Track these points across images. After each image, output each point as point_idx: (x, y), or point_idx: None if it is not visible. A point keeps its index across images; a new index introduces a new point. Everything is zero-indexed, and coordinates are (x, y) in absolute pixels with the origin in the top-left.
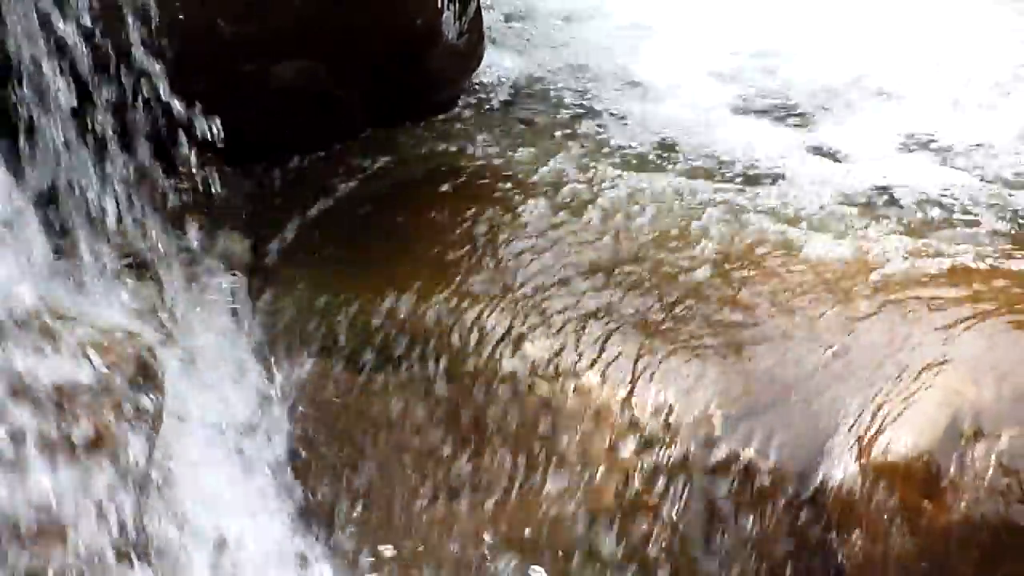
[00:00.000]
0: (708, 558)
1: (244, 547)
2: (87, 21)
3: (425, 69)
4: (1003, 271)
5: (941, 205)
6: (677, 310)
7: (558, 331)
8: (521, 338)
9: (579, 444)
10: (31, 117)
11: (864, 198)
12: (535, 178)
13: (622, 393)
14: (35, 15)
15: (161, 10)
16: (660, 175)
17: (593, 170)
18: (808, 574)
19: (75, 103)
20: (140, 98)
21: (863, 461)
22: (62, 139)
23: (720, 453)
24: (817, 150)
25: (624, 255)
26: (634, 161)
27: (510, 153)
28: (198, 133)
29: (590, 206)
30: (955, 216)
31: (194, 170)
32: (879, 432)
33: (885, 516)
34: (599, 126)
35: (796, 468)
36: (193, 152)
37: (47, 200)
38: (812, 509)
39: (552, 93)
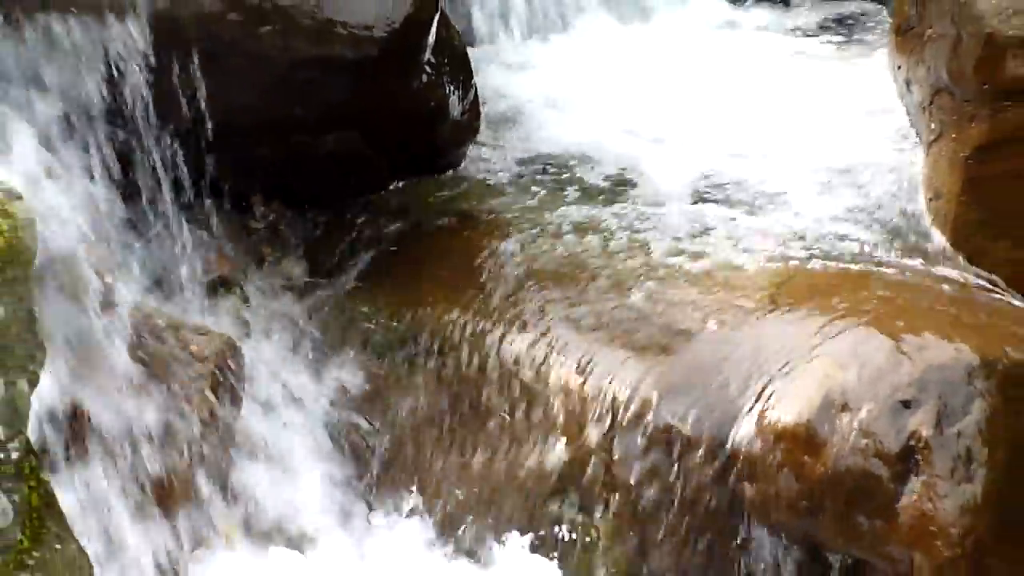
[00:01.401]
0: (647, 496)
1: (301, 475)
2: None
3: (436, 138)
4: (858, 288)
5: (806, 243)
6: (625, 320)
7: (533, 333)
8: (504, 338)
9: (549, 415)
10: (154, 184)
11: (750, 242)
12: (518, 217)
13: (581, 379)
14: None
15: (241, 100)
16: (606, 212)
17: (558, 210)
18: (720, 509)
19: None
20: (224, 163)
21: (761, 427)
22: (172, 197)
23: (654, 422)
24: (709, 196)
25: (580, 273)
26: (586, 205)
27: (501, 200)
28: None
29: (555, 238)
30: (814, 247)
31: (264, 214)
32: (772, 406)
33: (777, 467)
34: (561, 180)
35: (712, 433)
36: (259, 202)
37: (164, 239)
38: (724, 463)
39: (530, 157)
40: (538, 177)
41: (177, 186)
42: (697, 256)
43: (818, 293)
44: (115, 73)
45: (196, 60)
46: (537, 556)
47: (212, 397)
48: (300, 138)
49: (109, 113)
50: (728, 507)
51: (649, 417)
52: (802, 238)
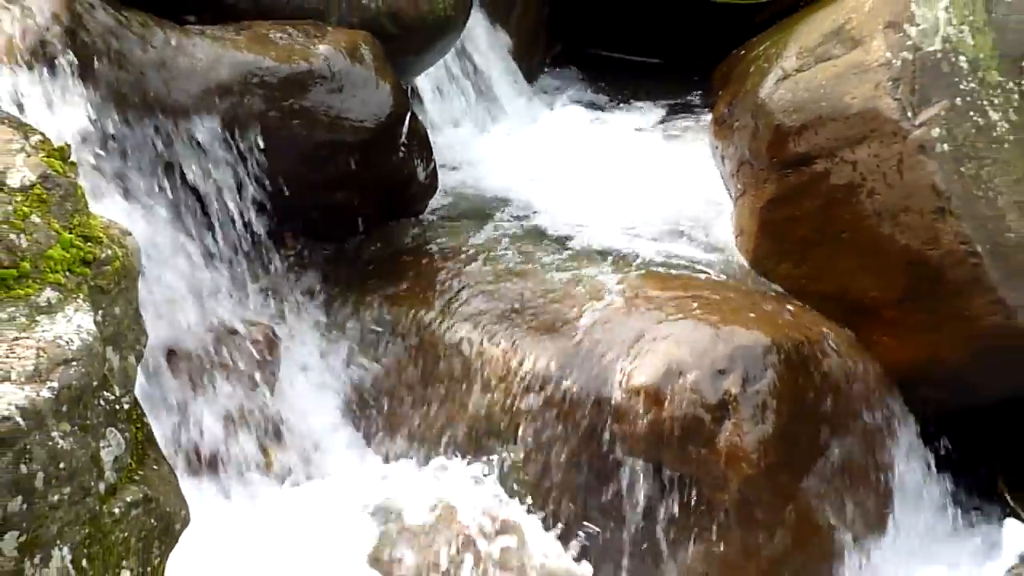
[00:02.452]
0: (547, 434)
1: (320, 412)
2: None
3: (408, 194)
4: (688, 294)
5: (654, 264)
6: (533, 314)
7: (476, 324)
8: (452, 327)
9: (483, 380)
10: (227, 226)
11: (617, 263)
12: (468, 248)
13: (502, 354)
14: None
15: (281, 169)
16: (519, 243)
17: (499, 244)
18: (597, 442)
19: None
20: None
21: (624, 387)
22: (237, 235)
23: (554, 385)
24: (588, 234)
25: (502, 284)
26: (506, 238)
27: (450, 235)
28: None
29: (487, 261)
30: (658, 267)
31: (293, 245)
32: (632, 372)
33: (635, 414)
34: (500, 224)
35: (591, 391)
36: (290, 237)
37: (230, 261)
38: (601, 414)
39: (476, 207)
40: (475, 220)
41: (241, 228)
42: (581, 271)
43: (661, 297)
44: (203, 153)
45: (253, 143)
46: (479, 473)
47: (259, 359)
48: (318, 194)
49: (198, 184)
50: (602, 441)
51: (549, 379)
52: (650, 261)
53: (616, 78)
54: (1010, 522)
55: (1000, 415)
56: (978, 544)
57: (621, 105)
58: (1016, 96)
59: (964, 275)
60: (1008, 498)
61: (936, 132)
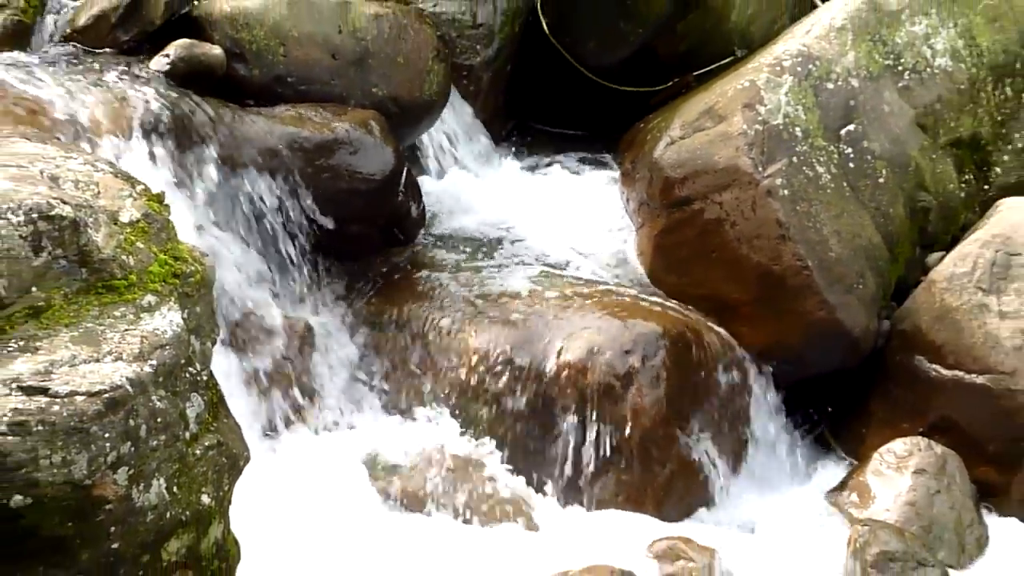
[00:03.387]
0: (505, 400)
1: (342, 380)
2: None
3: (405, 227)
4: (604, 299)
5: (581, 276)
6: (495, 310)
7: (453, 318)
8: (439, 320)
9: (459, 359)
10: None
11: (554, 275)
12: (447, 264)
13: (472, 339)
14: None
15: (317, 209)
16: (488, 262)
17: (470, 260)
18: (542, 405)
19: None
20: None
21: (559, 363)
22: (284, 253)
23: (510, 362)
24: (534, 258)
25: (481, 292)
26: (477, 258)
27: (436, 256)
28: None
29: (464, 272)
30: (582, 280)
31: (324, 264)
32: (564, 352)
33: (568, 383)
34: (471, 246)
35: (536, 366)
36: (321, 256)
37: (281, 273)
38: (543, 382)
39: (451, 236)
40: (454, 244)
41: (287, 250)
42: (529, 280)
43: (585, 300)
44: (265, 200)
45: (301, 192)
46: (456, 423)
47: (299, 345)
48: (341, 226)
49: (258, 219)
50: (545, 403)
51: (506, 358)
52: (578, 273)
53: (553, 144)
54: (831, 458)
55: (828, 382)
56: (809, 474)
57: (557, 162)
58: (835, 156)
59: (799, 283)
60: (831, 442)
61: (779, 181)
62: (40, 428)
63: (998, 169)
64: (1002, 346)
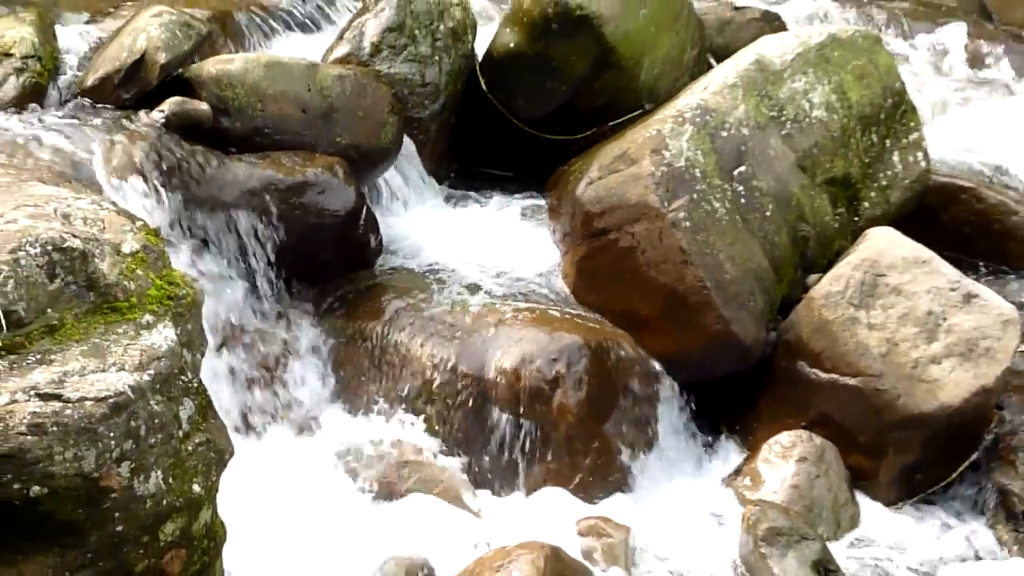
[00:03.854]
0: (453, 400)
1: (309, 388)
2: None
3: (365, 254)
4: (535, 315)
5: (515, 295)
6: (442, 326)
7: (407, 332)
8: (395, 333)
9: (414, 366)
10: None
11: (493, 295)
12: (401, 286)
13: (424, 351)
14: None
15: (291, 242)
16: (439, 285)
17: (419, 283)
18: (482, 405)
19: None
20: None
21: (498, 369)
22: (262, 277)
23: (455, 369)
24: (481, 282)
25: (431, 310)
26: (431, 281)
27: (397, 281)
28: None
29: (417, 292)
30: (518, 300)
31: (296, 286)
32: (502, 360)
33: (504, 386)
34: (421, 272)
35: (477, 373)
36: (295, 280)
37: (259, 296)
38: (483, 385)
39: (409, 263)
40: (408, 270)
41: (264, 276)
42: (470, 300)
43: (519, 316)
44: (246, 233)
45: (276, 226)
46: (409, 421)
47: (277, 355)
48: (311, 255)
49: (240, 249)
50: (485, 403)
51: (452, 366)
52: (513, 294)
53: (491, 184)
54: (728, 449)
55: (725, 384)
56: (710, 462)
57: (494, 199)
58: (729, 193)
59: (700, 300)
60: (728, 434)
61: (682, 215)
62: (55, 428)
63: (866, 203)
64: (870, 353)
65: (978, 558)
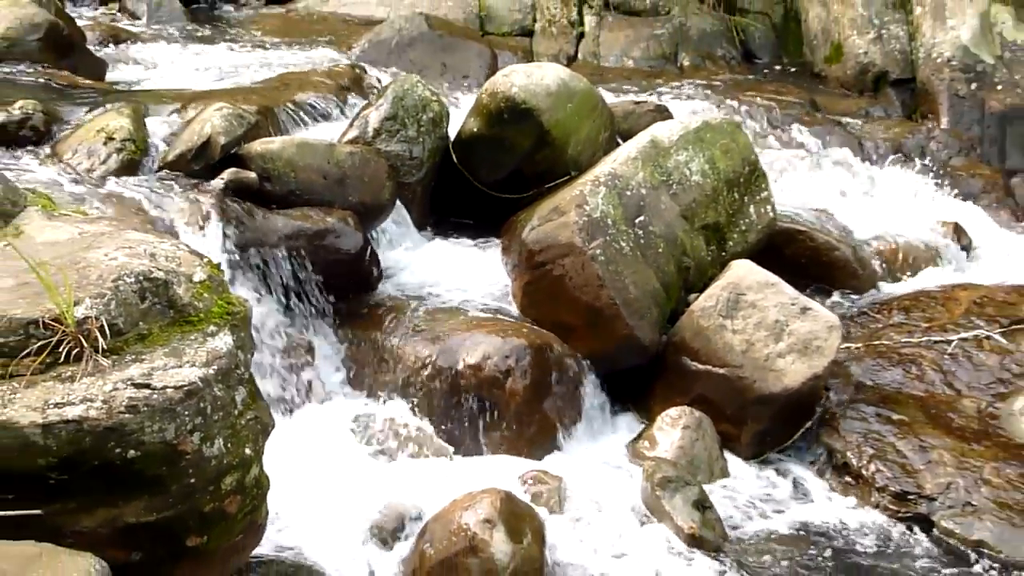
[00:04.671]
0: (432, 387)
1: (329, 375)
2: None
3: (370, 282)
4: (492, 324)
5: (480, 311)
6: (426, 332)
7: (399, 337)
8: (391, 338)
9: (407, 362)
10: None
11: (463, 311)
12: (395, 303)
13: (413, 350)
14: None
15: (314, 272)
16: (428, 308)
17: (409, 302)
18: (454, 390)
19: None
20: (307, 287)
21: (466, 364)
22: (295, 297)
23: (435, 364)
24: (451, 298)
25: (417, 321)
26: (420, 301)
27: (393, 301)
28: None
29: (413, 310)
30: (481, 313)
31: (319, 301)
32: (468, 357)
33: (470, 376)
34: (410, 293)
35: (451, 366)
36: (317, 299)
37: (292, 311)
38: (456, 376)
39: (401, 288)
40: (401, 293)
41: (296, 297)
42: (447, 315)
43: (482, 326)
44: (283, 266)
45: (305, 261)
46: (403, 404)
47: (305, 353)
48: (331, 280)
49: (281, 277)
50: (456, 389)
51: (433, 361)
52: (476, 311)
53: (461, 230)
54: (633, 420)
55: (631, 373)
56: (619, 430)
57: (463, 241)
58: (632, 236)
59: (611, 313)
60: (633, 410)
61: (598, 252)
62: (145, 409)
63: (730, 243)
64: (734, 350)
65: (808, 497)
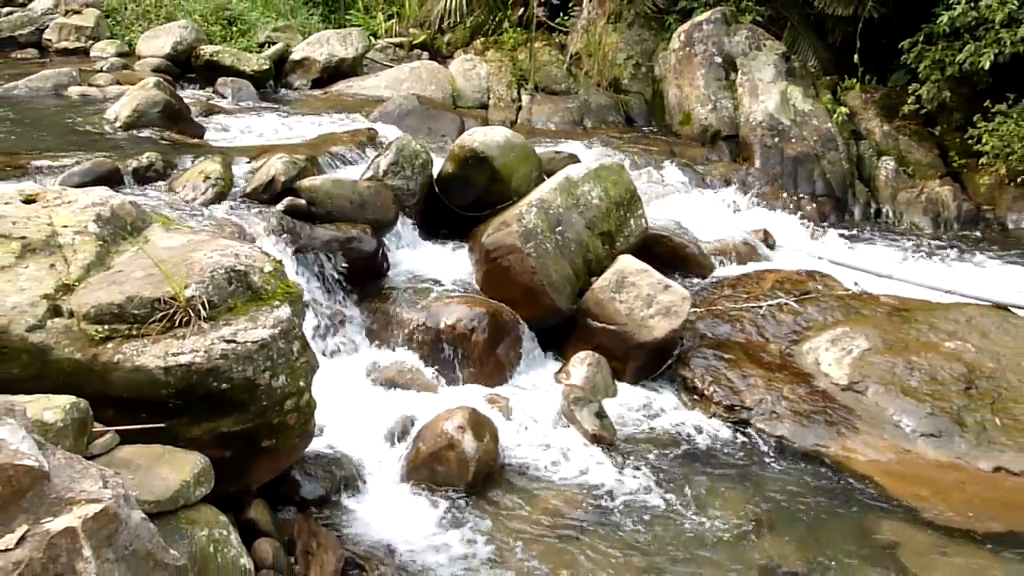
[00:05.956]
0: (423, 338)
1: (359, 339)
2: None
3: (380, 271)
4: (464, 299)
5: (458, 290)
6: (420, 305)
7: (403, 306)
8: (398, 309)
9: (407, 326)
10: (327, 280)
11: (444, 290)
12: (398, 286)
13: (411, 316)
14: (331, 266)
15: (345, 265)
16: (419, 285)
17: (411, 284)
18: (437, 340)
19: (332, 279)
20: (339, 276)
21: (445, 326)
22: (331, 283)
23: (425, 324)
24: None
25: (414, 297)
26: (418, 283)
27: (397, 283)
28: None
29: (412, 290)
30: (455, 290)
31: (344, 288)
32: (447, 319)
33: (449, 332)
34: (411, 279)
35: (436, 326)
36: (345, 283)
37: (328, 293)
38: (440, 331)
39: (403, 275)
40: (403, 279)
41: (332, 282)
42: (431, 293)
43: (455, 300)
44: (320, 261)
45: (337, 258)
46: (407, 351)
47: (339, 320)
48: (355, 271)
49: (320, 269)
50: (439, 341)
51: (423, 323)
52: (453, 290)
53: (441, 237)
54: (556, 361)
55: (555, 329)
56: (546, 367)
57: (442, 245)
58: (554, 240)
59: (540, 291)
60: (556, 354)
61: (532, 251)
62: (232, 356)
63: (618, 244)
64: (620, 314)
65: (670, 409)
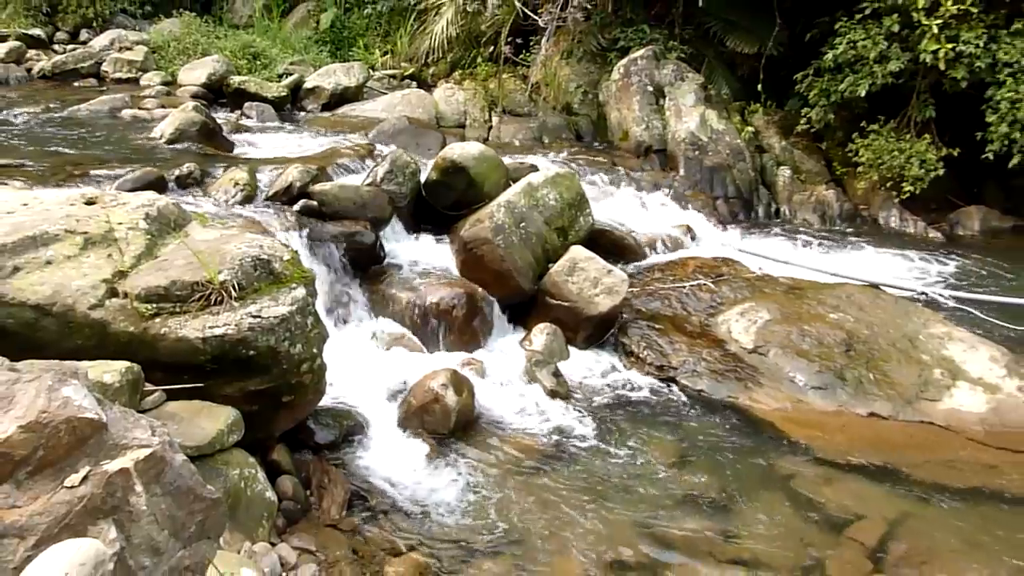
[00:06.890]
0: (415, 314)
1: (363, 314)
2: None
3: (378, 259)
4: (448, 281)
5: (439, 272)
6: (411, 286)
7: (397, 288)
8: (395, 290)
9: (401, 303)
10: (334, 267)
11: (430, 274)
12: (394, 270)
13: (404, 295)
14: (339, 254)
15: (348, 254)
16: (413, 267)
17: (404, 269)
18: (426, 314)
19: (339, 263)
20: (344, 263)
21: (430, 302)
22: (336, 269)
23: (414, 302)
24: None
25: (407, 279)
26: (412, 267)
27: (392, 268)
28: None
29: (405, 274)
30: (441, 274)
31: (351, 272)
32: (431, 298)
33: (434, 308)
34: (405, 264)
35: (424, 302)
36: (348, 268)
37: (336, 275)
38: (427, 307)
39: (397, 263)
40: (396, 265)
41: (337, 268)
42: (422, 276)
43: (440, 282)
44: (331, 251)
45: (342, 248)
46: (400, 324)
47: (345, 300)
48: (355, 260)
49: (327, 258)
50: (427, 315)
51: (413, 301)
52: (437, 274)
53: (429, 231)
54: (520, 331)
55: (520, 305)
56: (513, 335)
57: (429, 238)
58: (519, 233)
59: (508, 274)
60: (520, 325)
61: (501, 243)
62: (258, 329)
63: (570, 237)
64: (572, 292)
65: (613, 370)
